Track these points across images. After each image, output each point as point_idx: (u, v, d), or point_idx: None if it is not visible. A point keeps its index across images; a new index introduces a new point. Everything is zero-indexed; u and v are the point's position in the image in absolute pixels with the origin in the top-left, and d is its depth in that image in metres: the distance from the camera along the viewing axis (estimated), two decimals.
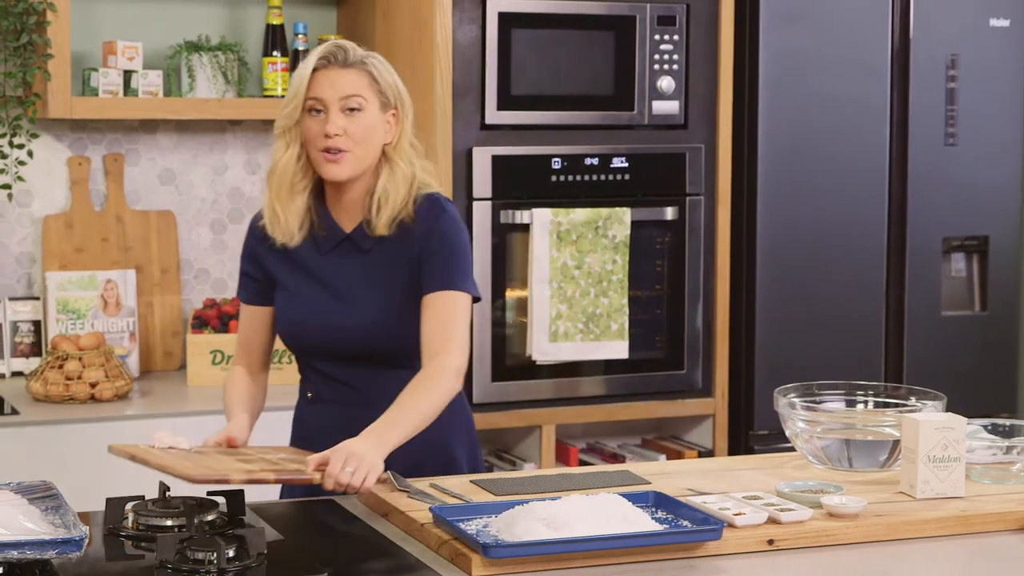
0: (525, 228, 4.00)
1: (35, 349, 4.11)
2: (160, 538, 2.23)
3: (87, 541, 2.14)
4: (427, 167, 2.77)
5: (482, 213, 3.97)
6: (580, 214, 4.02)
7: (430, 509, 2.42)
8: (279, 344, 3.96)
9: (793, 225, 4.27)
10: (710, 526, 2.33)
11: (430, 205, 2.72)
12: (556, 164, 4.05)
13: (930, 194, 4.40)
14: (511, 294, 4.05)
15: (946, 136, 4.41)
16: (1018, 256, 4.58)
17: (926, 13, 4.35)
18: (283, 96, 4.13)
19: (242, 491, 2.45)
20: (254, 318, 2.85)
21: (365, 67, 2.68)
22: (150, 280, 4.25)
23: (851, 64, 4.29)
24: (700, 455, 4.26)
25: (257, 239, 2.80)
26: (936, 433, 2.59)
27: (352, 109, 2.65)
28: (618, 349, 4.08)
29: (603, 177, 4.09)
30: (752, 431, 4.26)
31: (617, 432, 4.44)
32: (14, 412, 3.69)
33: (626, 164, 4.11)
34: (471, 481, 2.71)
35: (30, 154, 4.03)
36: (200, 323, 4.10)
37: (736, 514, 2.41)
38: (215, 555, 2.21)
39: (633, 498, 2.44)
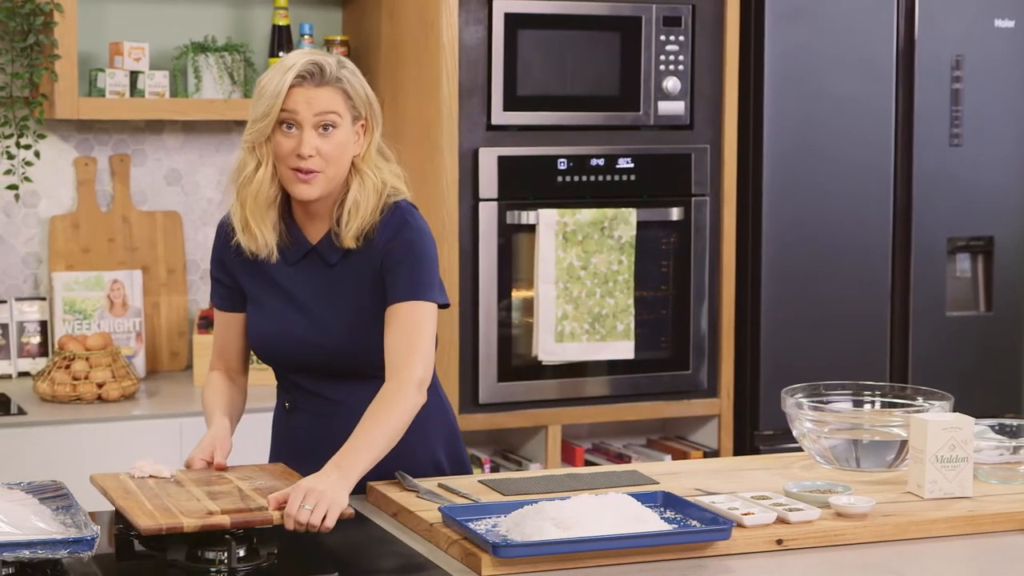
0: (531, 229, 4.01)
1: (42, 349, 4.12)
2: (170, 538, 2.23)
3: (98, 541, 2.14)
4: (397, 172, 2.70)
5: (488, 214, 3.98)
6: (586, 215, 4.02)
7: (439, 509, 2.42)
8: None
9: (798, 225, 4.28)
10: (719, 526, 2.34)
11: (392, 215, 2.64)
12: (562, 165, 4.05)
13: (935, 194, 4.40)
14: (517, 294, 4.05)
15: (951, 137, 4.41)
16: (1023, 256, 4.58)
17: (931, 14, 4.35)
18: None
19: None
20: (229, 324, 2.81)
21: (340, 84, 2.59)
22: (156, 280, 4.26)
23: (856, 65, 4.29)
24: (705, 455, 4.27)
25: (225, 247, 2.74)
26: (944, 433, 2.59)
27: (326, 127, 2.58)
28: (624, 349, 4.09)
29: (609, 178, 4.10)
30: (757, 431, 4.27)
31: (622, 432, 4.45)
32: (21, 412, 3.70)
33: (632, 165, 4.12)
34: (479, 481, 2.72)
35: (37, 155, 4.04)
36: (207, 323, 4.11)
37: (745, 514, 2.41)
38: (226, 554, 2.22)
39: (642, 498, 2.44)
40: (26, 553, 2.09)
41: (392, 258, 2.62)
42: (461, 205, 3.95)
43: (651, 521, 2.33)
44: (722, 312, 4.25)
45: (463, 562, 2.28)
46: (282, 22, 4.22)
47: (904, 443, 2.73)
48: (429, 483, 2.66)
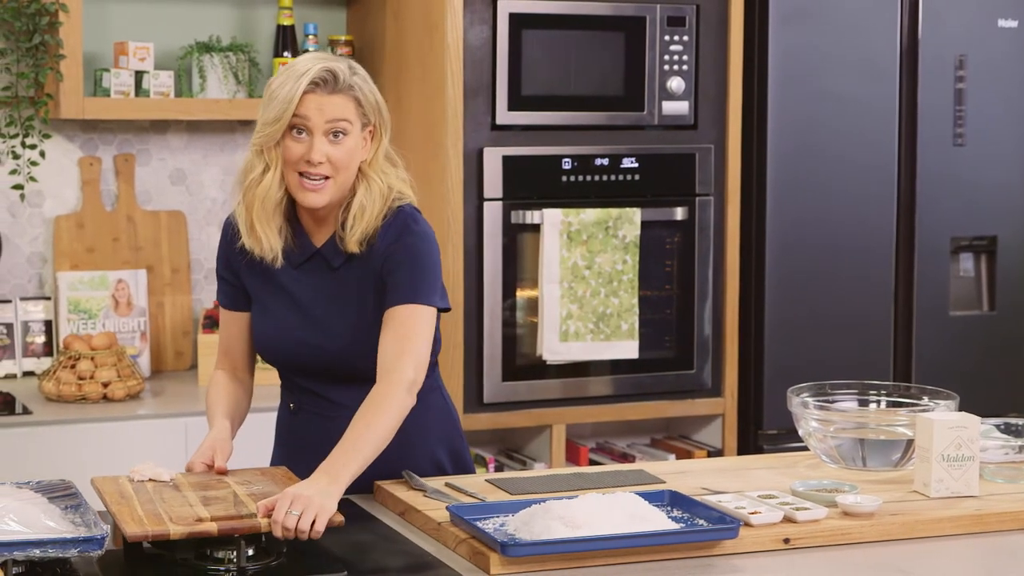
0: (536, 228, 4.01)
1: (46, 349, 4.12)
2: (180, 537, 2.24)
3: (108, 540, 2.15)
4: (403, 177, 2.70)
5: (493, 213, 3.98)
6: (590, 214, 4.03)
7: (447, 508, 2.43)
8: None
9: (802, 225, 4.28)
10: (727, 525, 2.34)
11: (395, 219, 2.64)
12: (566, 164, 4.06)
13: (938, 194, 4.41)
14: (521, 294, 4.06)
15: (954, 136, 4.42)
16: None
17: (934, 14, 4.36)
18: None
19: None
20: (234, 323, 2.81)
21: (352, 92, 2.59)
22: (161, 280, 4.26)
23: (860, 64, 4.30)
24: (709, 455, 4.27)
25: (230, 247, 2.74)
26: (950, 432, 2.60)
27: (336, 133, 2.58)
28: (628, 349, 4.10)
29: (613, 177, 4.11)
30: (761, 431, 4.27)
31: (626, 432, 4.45)
32: (27, 412, 3.70)
33: (636, 164, 4.12)
34: (486, 480, 2.72)
35: (42, 154, 4.04)
36: (211, 323, 4.12)
37: (752, 513, 2.42)
38: (235, 554, 2.22)
39: (649, 497, 2.45)
40: (37, 552, 2.10)
41: (392, 261, 2.61)
42: (466, 205, 3.96)
43: (658, 520, 2.34)
44: (726, 312, 4.26)
45: (471, 561, 2.29)
46: (286, 22, 4.22)
47: (910, 442, 2.74)
48: (436, 482, 2.66)
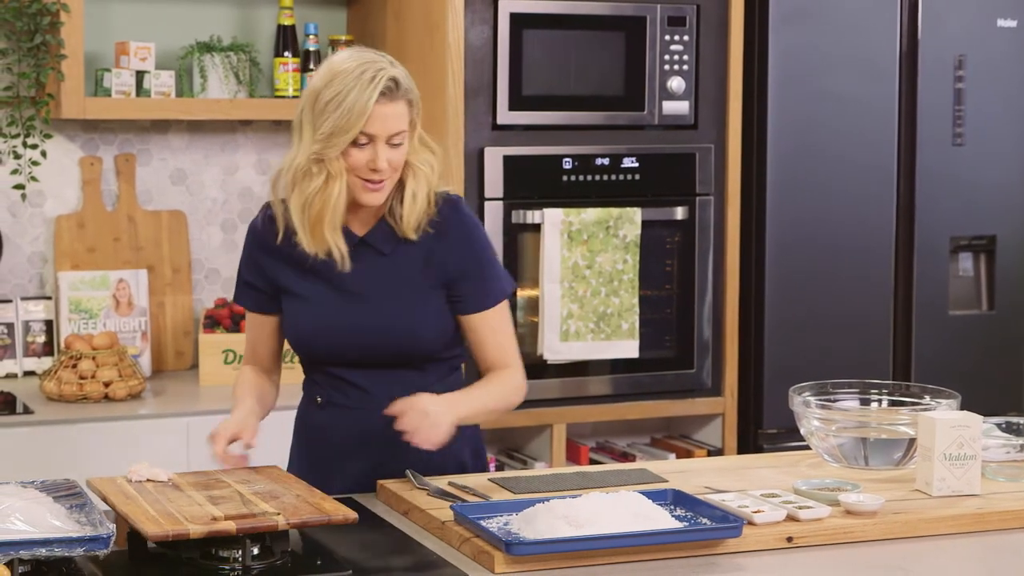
0: (536, 228, 4.02)
1: (47, 348, 4.13)
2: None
3: (113, 539, 2.15)
4: (431, 161, 2.74)
5: (493, 213, 3.99)
6: (591, 214, 4.03)
7: (451, 507, 2.44)
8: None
9: (802, 224, 4.29)
10: (730, 524, 2.35)
11: (452, 211, 2.73)
12: (567, 164, 4.06)
13: (938, 194, 4.41)
14: (522, 293, 4.06)
15: (954, 136, 4.43)
16: None
17: (934, 14, 4.37)
18: (295, 96, 4.19)
19: None
20: (261, 326, 2.83)
21: (407, 95, 2.64)
22: (162, 280, 4.26)
23: (859, 64, 4.31)
24: (709, 454, 4.28)
25: (260, 248, 2.76)
26: (952, 431, 2.61)
27: (396, 143, 2.64)
28: (628, 348, 4.10)
29: (614, 177, 4.11)
30: (761, 430, 4.28)
31: (626, 431, 4.46)
32: (28, 411, 3.70)
33: (636, 164, 4.13)
34: (489, 479, 2.73)
35: (44, 154, 4.04)
36: (212, 322, 4.12)
37: (755, 512, 2.43)
38: (240, 553, 2.22)
39: (652, 496, 2.45)
40: (43, 551, 2.10)
41: (463, 263, 2.72)
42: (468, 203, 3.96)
43: (662, 519, 2.34)
44: (726, 311, 4.27)
45: (476, 560, 2.29)
46: (287, 22, 4.22)
47: (912, 441, 2.74)
48: (439, 481, 2.67)
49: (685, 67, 4.16)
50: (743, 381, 4.32)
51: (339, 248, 2.68)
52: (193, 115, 4.11)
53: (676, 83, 4.14)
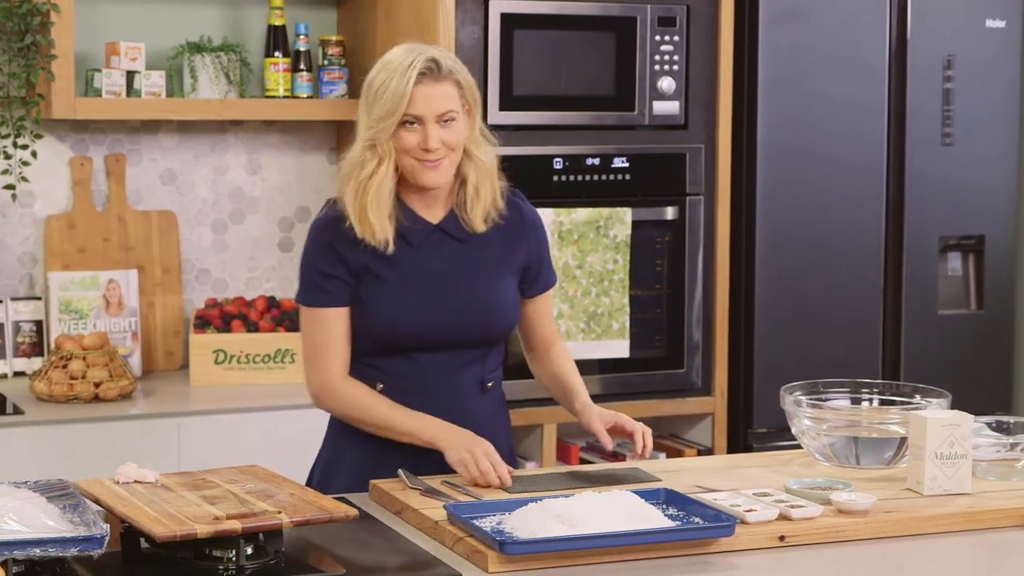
0: None
1: (37, 349, 4.12)
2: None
3: (107, 539, 2.15)
4: (492, 156, 2.82)
5: None
6: (581, 214, 4.04)
7: (444, 507, 2.44)
8: (282, 344, 3.96)
9: (792, 224, 4.30)
10: (723, 523, 2.36)
11: (521, 204, 2.88)
12: (557, 164, 4.07)
13: (927, 194, 4.43)
14: None
15: (943, 136, 4.44)
16: (1013, 255, 4.61)
17: (923, 14, 4.38)
18: (285, 96, 4.19)
19: None
20: (342, 320, 2.79)
21: (453, 76, 2.71)
22: (152, 280, 4.26)
23: (849, 65, 4.32)
24: (699, 453, 4.29)
25: (339, 239, 2.76)
26: (943, 430, 2.62)
27: (447, 121, 2.70)
28: (619, 348, 4.11)
29: (604, 177, 4.12)
30: (751, 429, 4.29)
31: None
32: (18, 411, 3.70)
33: (627, 164, 4.14)
34: None
35: (34, 155, 4.04)
36: (202, 323, 4.12)
37: (747, 511, 2.43)
38: (233, 553, 2.23)
39: (645, 495, 2.46)
40: (37, 551, 2.10)
41: (536, 248, 2.89)
42: None
43: (655, 518, 2.35)
44: (716, 311, 4.28)
45: (469, 559, 2.30)
46: (277, 22, 4.22)
47: (903, 440, 2.75)
48: (432, 481, 2.67)
49: (675, 67, 4.17)
50: (733, 380, 4.32)
51: (383, 230, 2.72)
52: (183, 115, 4.11)
53: (666, 83, 4.15)
